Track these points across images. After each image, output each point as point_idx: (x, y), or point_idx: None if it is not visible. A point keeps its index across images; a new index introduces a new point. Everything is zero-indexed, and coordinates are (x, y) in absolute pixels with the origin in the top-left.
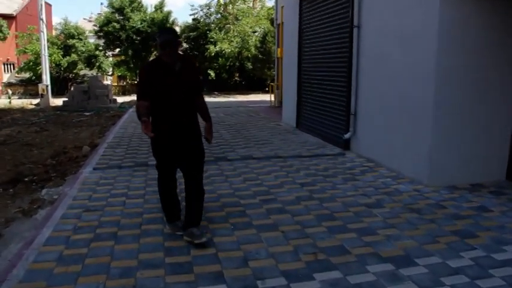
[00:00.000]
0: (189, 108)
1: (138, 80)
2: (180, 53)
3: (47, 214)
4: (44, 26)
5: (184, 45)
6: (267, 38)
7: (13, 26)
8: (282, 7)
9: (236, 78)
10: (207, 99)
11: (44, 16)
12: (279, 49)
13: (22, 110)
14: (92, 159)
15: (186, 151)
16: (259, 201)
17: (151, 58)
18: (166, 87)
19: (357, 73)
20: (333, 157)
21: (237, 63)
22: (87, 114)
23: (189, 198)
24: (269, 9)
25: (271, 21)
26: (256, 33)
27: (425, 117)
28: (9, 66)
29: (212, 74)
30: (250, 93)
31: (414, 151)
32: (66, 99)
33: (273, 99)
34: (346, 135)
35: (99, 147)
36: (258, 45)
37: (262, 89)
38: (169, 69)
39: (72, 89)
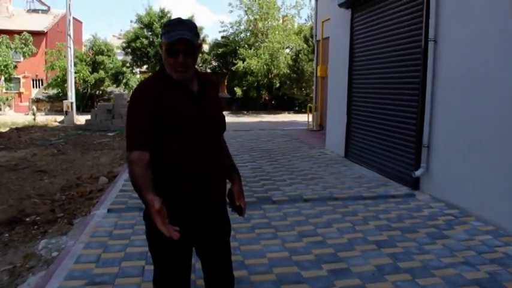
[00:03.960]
0: (219, 159)
1: (128, 114)
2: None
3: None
4: (71, 42)
5: (213, 63)
6: (300, 55)
7: (43, 43)
8: (324, 22)
9: (265, 96)
10: (235, 118)
11: (71, 32)
12: (319, 67)
13: (44, 129)
14: (108, 194)
15: (212, 232)
16: (327, 273)
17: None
18: (184, 122)
19: (432, 96)
20: (402, 200)
21: (266, 81)
22: (111, 134)
23: None
24: (301, 25)
25: (305, 38)
26: (287, 50)
27: None
28: (38, 82)
29: (239, 91)
30: (280, 113)
31: None
32: (89, 117)
33: (311, 121)
34: (417, 172)
35: (118, 178)
36: (291, 63)
37: (292, 109)
38: (186, 90)
39: (96, 107)
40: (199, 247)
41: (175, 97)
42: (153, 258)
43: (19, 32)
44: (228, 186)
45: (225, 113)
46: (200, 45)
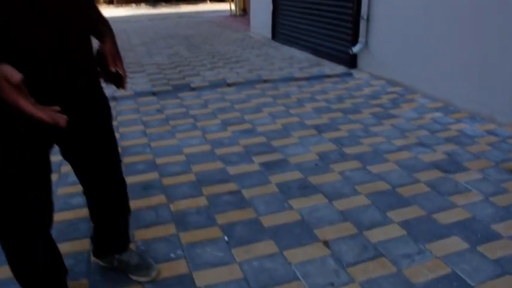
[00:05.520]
0: (83, 49)
1: None
2: None
3: None
4: None
5: None
6: None
7: None
8: None
9: None
10: (152, 10)
11: None
12: None
13: None
14: None
15: (84, 138)
16: (259, 167)
17: None
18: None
19: None
20: (339, 79)
21: None
22: None
23: (106, 216)
24: None
25: None
26: None
27: (504, 22)
28: None
29: None
30: (200, 3)
31: (479, 70)
32: None
33: (233, 7)
34: (355, 49)
35: None
36: None
37: None
38: None
39: None
40: (67, 145)
41: None
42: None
43: None
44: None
45: (140, 5)
46: None
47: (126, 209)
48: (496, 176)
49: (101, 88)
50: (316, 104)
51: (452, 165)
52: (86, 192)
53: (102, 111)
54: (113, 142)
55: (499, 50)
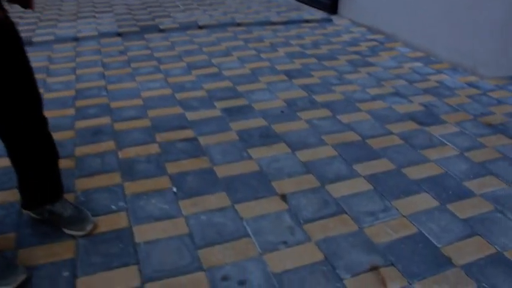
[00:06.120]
0: None
1: None
2: None
3: None
4: None
5: None
6: None
7: None
8: None
9: None
10: None
11: None
12: None
13: None
14: None
15: None
16: (221, 112)
17: None
18: None
19: None
20: (317, 25)
21: None
22: None
23: (28, 161)
24: None
25: None
26: None
27: None
28: None
29: None
30: None
31: (463, 18)
32: None
33: None
34: None
35: None
36: None
37: None
38: None
39: None
40: None
41: None
42: None
43: None
44: None
45: None
46: None
47: (52, 153)
48: (474, 130)
49: (4, 13)
50: (289, 49)
51: (428, 117)
52: (1, 134)
53: (8, 39)
54: (26, 75)
55: None
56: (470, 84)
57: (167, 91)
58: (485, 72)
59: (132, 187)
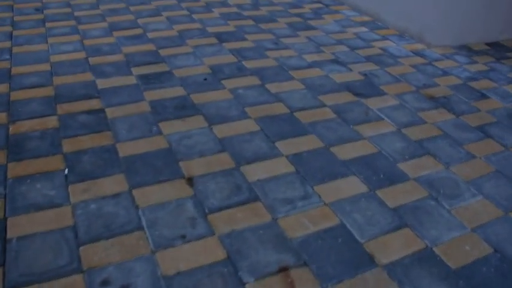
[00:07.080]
0: None
1: None
2: None
3: None
4: None
5: None
6: None
7: None
8: None
9: None
10: None
11: None
12: None
13: None
14: None
15: None
16: (136, 80)
17: None
18: None
19: None
20: None
21: None
22: None
23: None
24: None
25: None
26: None
27: None
28: None
29: None
30: None
31: None
32: None
33: None
34: None
35: None
36: None
37: None
38: None
39: None
40: None
41: None
42: None
43: None
44: None
45: None
46: None
47: None
48: (414, 103)
49: None
50: (226, 9)
51: (367, 87)
52: None
53: None
54: None
55: None
56: (416, 53)
57: (80, 55)
58: (432, 39)
59: (16, 169)
